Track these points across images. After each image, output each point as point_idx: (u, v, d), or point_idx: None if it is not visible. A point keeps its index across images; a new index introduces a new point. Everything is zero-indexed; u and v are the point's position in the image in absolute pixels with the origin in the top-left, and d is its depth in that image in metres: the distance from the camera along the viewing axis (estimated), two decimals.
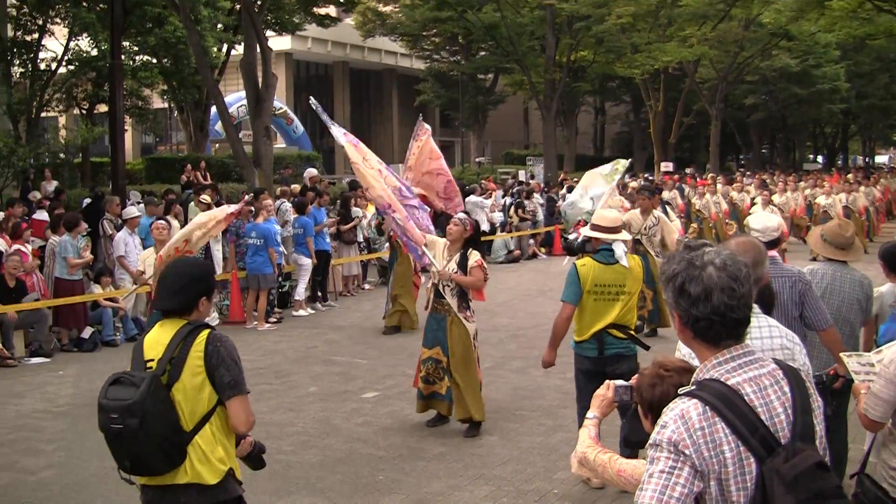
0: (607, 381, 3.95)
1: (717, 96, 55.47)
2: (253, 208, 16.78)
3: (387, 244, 17.59)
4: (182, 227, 17.27)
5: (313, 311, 17.99)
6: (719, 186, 30.30)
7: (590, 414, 3.93)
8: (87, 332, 15.05)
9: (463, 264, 9.48)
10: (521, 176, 38.32)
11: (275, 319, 16.90)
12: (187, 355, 4.57)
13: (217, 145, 40.15)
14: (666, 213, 16.93)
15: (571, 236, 13.01)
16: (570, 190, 32.14)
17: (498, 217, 26.88)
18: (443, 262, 9.66)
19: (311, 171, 23.59)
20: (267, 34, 29.86)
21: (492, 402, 9.97)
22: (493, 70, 55.87)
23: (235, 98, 41.31)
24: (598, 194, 14.73)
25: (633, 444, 3.82)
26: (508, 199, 28.64)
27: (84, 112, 33.34)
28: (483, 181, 30.86)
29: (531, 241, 27.57)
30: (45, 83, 30.69)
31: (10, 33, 30.14)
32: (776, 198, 27.26)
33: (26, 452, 9.33)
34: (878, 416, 4.85)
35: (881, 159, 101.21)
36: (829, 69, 58.66)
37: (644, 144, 62.50)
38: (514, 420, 10.16)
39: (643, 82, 52.71)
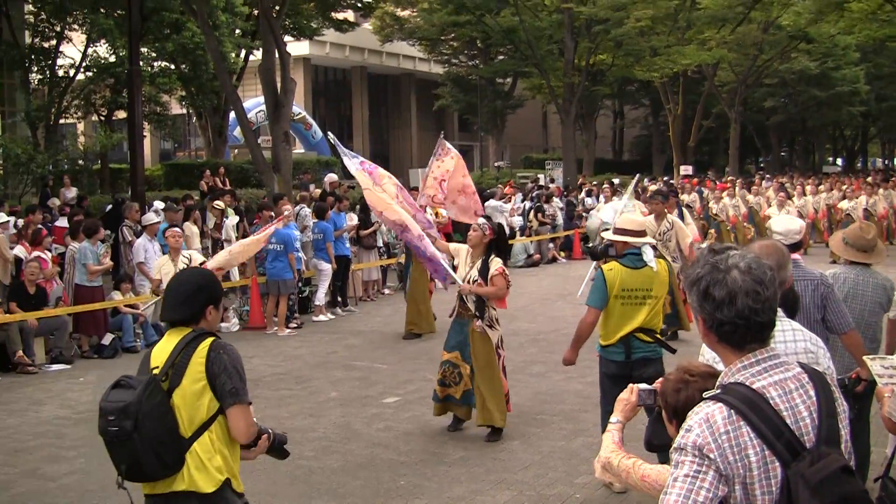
0: (631, 386, 3.94)
1: (737, 99, 55.34)
2: (273, 214, 16.81)
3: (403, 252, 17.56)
4: (200, 233, 17.45)
5: (333, 317, 18.01)
6: (737, 190, 30.18)
7: (613, 419, 3.91)
8: (107, 339, 15.11)
9: (485, 271, 9.45)
10: (542, 180, 38.28)
11: (295, 325, 16.91)
12: (189, 361, 4.56)
13: (236, 151, 40.28)
14: (682, 216, 16.88)
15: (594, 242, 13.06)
16: (588, 194, 32.21)
17: (517, 221, 26.84)
18: (466, 268, 9.65)
19: (332, 177, 23.61)
20: (285, 39, 29.91)
21: (513, 407, 9.93)
22: (511, 74, 55.83)
23: (254, 103, 41.37)
24: (619, 207, 14.84)
25: (655, 447, 3.80)
26: (528, 203, 28.60)
27: (102, 118, 33.45)
28: (499, 185, 30.82)
29: (551, 245, 27.55)
30: (64, 90, 30.82)
31: (28, 40, 30.32)
32: (795, 200, 27.14)
33: (48, 459, 9.36)
34: None
35: None
36: (848, 71, 58.44)
37: (663, 148, 62.35)
38: (536, 424, 10.14)
39: (662, 85, 52.62)
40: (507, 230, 24.73)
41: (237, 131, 35.15)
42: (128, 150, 25.02)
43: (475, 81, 54.81)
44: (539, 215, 27.37)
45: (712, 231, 25.67)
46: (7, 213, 17.29)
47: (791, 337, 4.45)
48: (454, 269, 10.07)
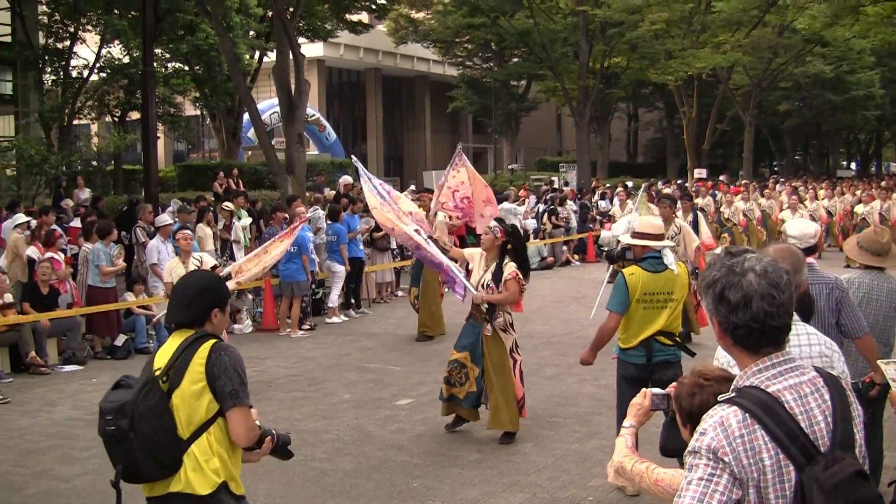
0: (644, 390, 3.93)
1: (751, 103, 55.23)
2: (287, 216, 16.83)
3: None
4: (214, 235, 17.50)
5: (346, 319, 18.02)
6: (751, 193, 30.10)
7: (626, 423, 3.90)
8: (120, 340, 15.14)
9: (498, 275, 9.44)
10: (556, 183, 38.27)
11: (308, 326, 16.92)
12: (189, 362, 4.55)
13: (250, 152, 40.32)
14: (697, 220, 16.83)
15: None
16: (602, 197, 32.19)
17: (531, 224, 26.83)
18: (480, 272, 9.64)
19: (346, 179, 23.62)
20: (299, 41, 29.96)
21: (527, 409, 9.92)
22: (525, 76, 55.83)
23: (268, 105, 41.44)
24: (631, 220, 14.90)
25: (670, 452, 3.78)
26: (542, 206, 28.59)
27: (116, 119, 33.56)
28: (511, 188, 30.80)
29: (564, 247, 27.51)
30: (77, 91, 30.93)
31: (42, 41, 30.44)
32: (807, 204, 27.08)
33: (61, 460, 9.38)
34: None
35: None
36: (863, 75, 58.27)
37: (677, 151, 62.29)
38: (549, 427, 10.13)
39: (677, 89, 52.55)
40: (521, 233, 24.82)
41: (251, 133, 35.23)
42: (141, 152, 25.06)
43: (489, 84, 54.80)
44: (553, 218, 27.35)
45: (725, 235, 25.59)
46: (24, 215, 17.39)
47: (806, 341, 4.43)
48: (469, 273, 10.07)
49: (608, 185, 37.91)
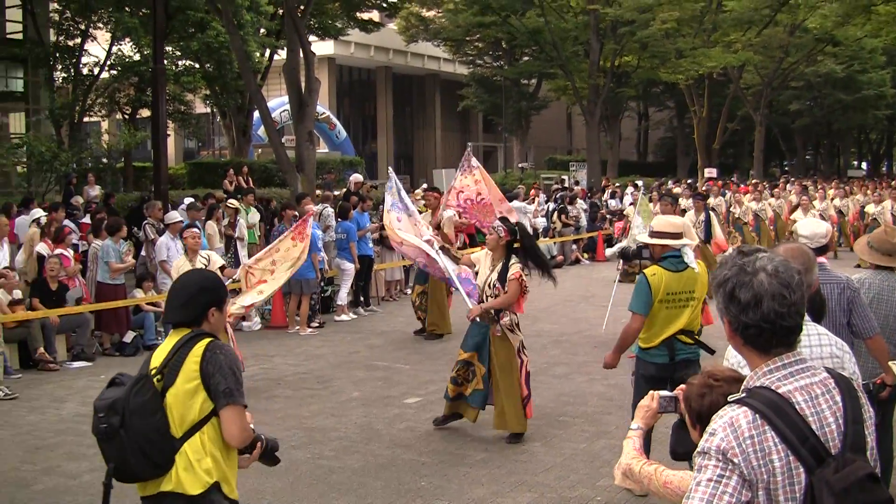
0: (651, 392, 3.90)
1: (762, 102, 55.13)
2: (297, 213, 16.82)
3: None
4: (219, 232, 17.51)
5: (356, 316, 18.00)
6: (763, 193, 29.99)
7: (633, 425, 3.88)
8: (129, 337, 15.15)
9: (503, 275, 9.43)
10: (566, 182, 38.24)
11: (317, 324, 16.90)
12: (184, 360, 4.51)
13: (260, 150, 40.39)
14: (709, 220, 16.79)
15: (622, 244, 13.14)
16: (612, 195, 32.14)
17: (541, 222, 26.80)
18: (486, 271, 9.63)
19: (357, 177, 23.62)
20: (310, 39, 29.95)
21: (535, 408, 9.89)
22: (536, 75, 55.82)
23: (278, 103, 41.48)
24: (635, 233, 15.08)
25: (681, 455, 3.75)
26: (552, 205, 28.55)
27: (126, 117, 33.64)
28: (520, 186, 30.77)
29: (574, 246, 27.47)
30: (88, 88, 31.01)
31: (53, 38, 30.53)
32: (816, 204, 27.00)
33: (68, 456, 9.37)
34: None
35: None
36: (874, 75, 58.17)
37: (688, 150, 62.23)
38: (558, 426, 10.10)
39: (687, 88, 52.48)
40: (531, 231, 24.80)
41: (261, 130, 35.23)
42: (151, 149, 25.09)
43: (500, 82, 54.80)
44: (563, 217, 27.31)
45: (736, 234, 25.55)
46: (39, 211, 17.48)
47: (817, 341, 4.40)
48: (476, 275, 10.10)
49: (618, 184, 37.85)
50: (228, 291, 9.44)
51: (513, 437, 9.51)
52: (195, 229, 13.55)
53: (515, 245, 9.63)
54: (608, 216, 29.51)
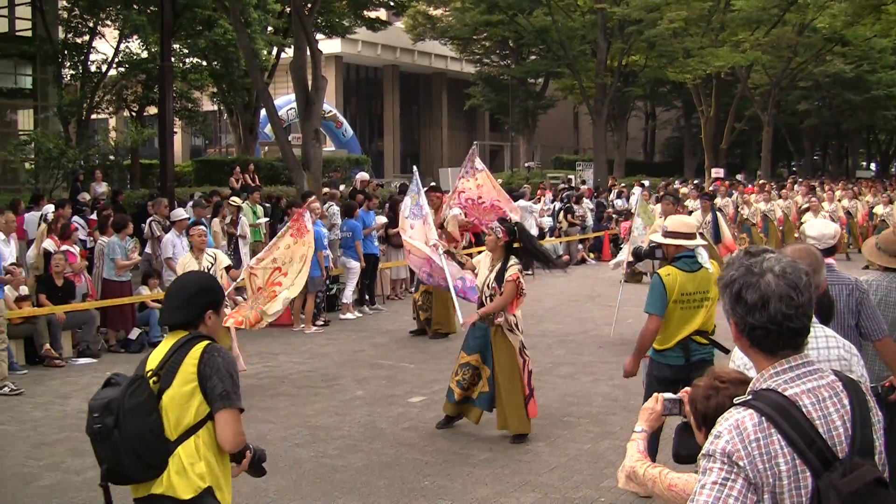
0: (655, 395, 3.87)
1: (770, 102, 54.98)
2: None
3: None
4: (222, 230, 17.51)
5: (360, 315, 17.99)
6: (765, 194, 29.89)
7: (637, 427, 3.84)
8: (134, 334, 15.17)
9: (501, 276, 9.44)
10: (573, 181, 38.20)
11: (322, 322, 16.90)
12: (181, 362, 4.47)
13: (266, 148, 40.37)
14: (716, 220, 16.74)
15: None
16: (618, 195, 32.10)
17: (547, 222, 26.77)
18: (485, 272, 9.63)
19: (363, 175, 23.62)
20: (317, 37, 29.92)
21: (539, 408, 9.87)
22: (543, 74, 55.74)
23: (285, 101, 41.50)
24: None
25: (684, 459, 3.72)
26: (558, 204, 28.52)
27: (134, 114, 33.71)
28: (526, 186, 30.71)
29: (580, 246, 27.42)
30: (96, 85, 31.11)
31: (62, 35, 30.65)
32: (826, 206, 26.94)
33: (73, 453, 9.37)
34: None
35: None
36: (884, 75, 57.93)
37: (695, 150, 62.13)
38: (562, 426, 10.07)
39: (695, 87, 52.32)
40: (537, 231, 24.79)
41: (268, 128, 35.27)
42: (158, 146, 25.13)
43: (507, 81, 54.73)
44: (569, 216, 27.27)
45: (744, 235, 25.48)
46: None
47: (824, 344, 4.37)
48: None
49: (623, 184, 37.79)
50: (235, 291, 9.35)
51: (517, 437, 9.48)
52: (202, 227, 13.36)
53: (515, 245, 9.63)
54: (614, 216, 29.46)
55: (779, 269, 2.88)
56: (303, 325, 16.48)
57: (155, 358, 4.60)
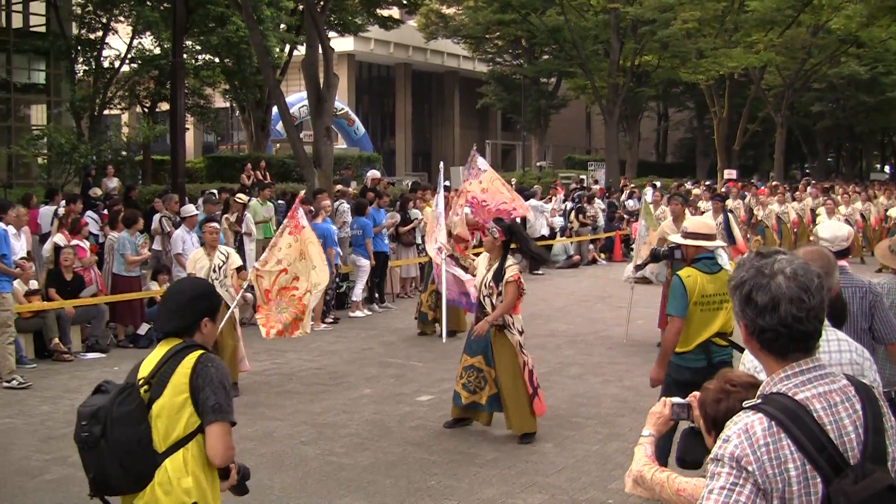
0: (663, 399, 3.83)
1: (783, 103, 54.77)
2: (312, 208, 16.77)
3: None
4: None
5: (370, 313, 17.97)
6: (779, 196, 29.78)
7: (645, 432, 3.81)
8: (143, 329, 15.18)
9: (498, 276, 9.44)
10: (585, 181, 38.15)
11: (331, 320, 16.88)
12: (173, 372, 4.35)
13: (278, 145, 40.40)
14: (728, 222, 16.66)
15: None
16: (630, 196, 32.03)
17: (558, 221, 26.72)
18: (483, 271, 9.67)
19: (375, 173, 23.62)
20: (329, 35, 29.93)
21: (548, 409, 9.84)
22: (556, 74, 55.64)
23: (297, 98, 41.48)
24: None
25: (688, 464, 3.67)
26: (569, 204, 28.47)
27: (146, 110, 33.83)
28: (537, 186, 30.65)
29: (591, 246, 27.37)
30: (108, 81, 31.24)
31: (75, 31, 30.78)
32: (842, 209, 26.83)
33: None
34: None
35: None
36: None
37: (707, 151, 61.95)
38: (570, 427, 10.03)
39: (708, 88, 52.15)
40: (548, 230, 24.76)
41: (279, 125, 35.26)
42: (170, 142, 25.17)
43: (519, 80, 54.66)
44: (580, 216, 27.22)
45: (758, 237, 25.38)
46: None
47: (836, 347, 4.31)
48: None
49: (633, 185, 37.71)
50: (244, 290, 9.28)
51: (524, 437, 9.45)
52: (214, 223, 12.81)
53: (512, 245, 9.62)
54: (626, 216, 29.39)
55: (790, 270, 2.83)
56: (312, 323, 16.43)
57: (147, 366, 4.48)
